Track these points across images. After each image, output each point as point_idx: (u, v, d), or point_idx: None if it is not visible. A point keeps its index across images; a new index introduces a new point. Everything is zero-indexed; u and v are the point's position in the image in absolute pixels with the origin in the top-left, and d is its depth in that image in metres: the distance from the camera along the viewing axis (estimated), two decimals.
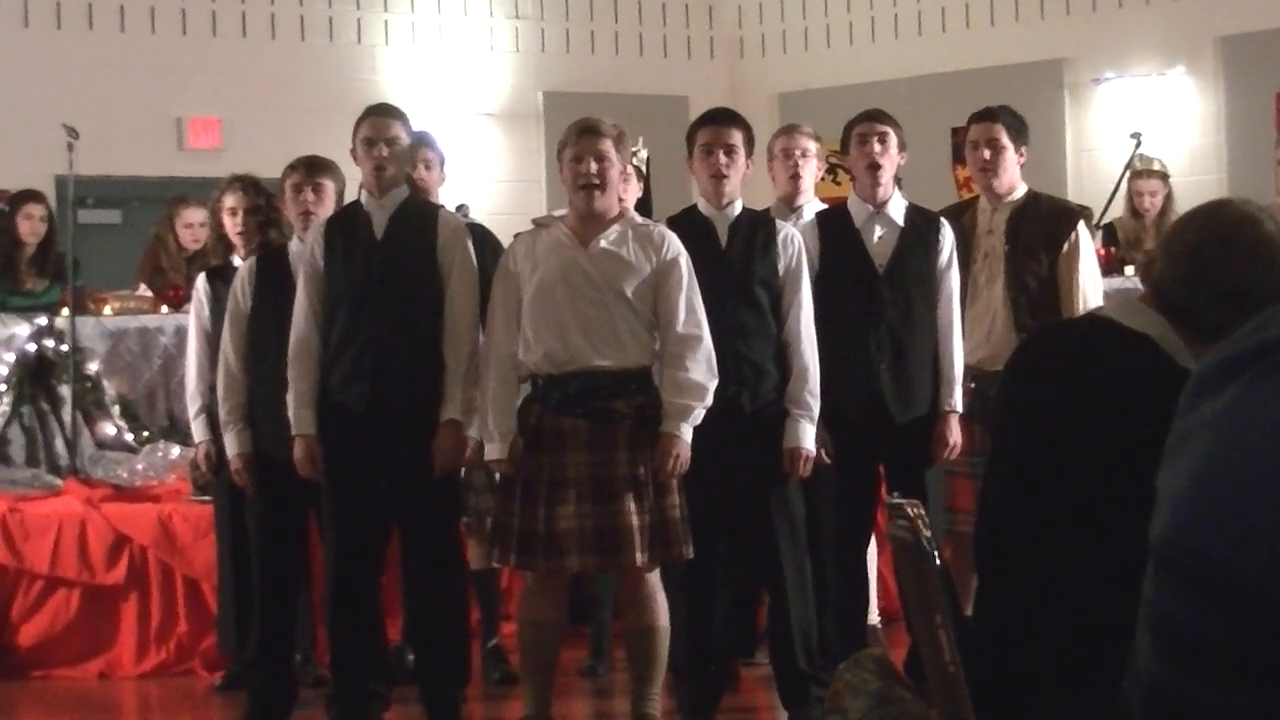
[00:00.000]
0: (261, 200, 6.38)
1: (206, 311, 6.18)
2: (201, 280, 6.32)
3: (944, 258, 5.77)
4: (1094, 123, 11.26)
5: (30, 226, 8.25)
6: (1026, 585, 2.81)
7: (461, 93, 11.59)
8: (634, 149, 6.91)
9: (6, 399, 7.72)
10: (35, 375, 7.84)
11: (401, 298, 5.47)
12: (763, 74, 12.26)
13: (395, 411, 5.42)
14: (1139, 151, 8.82)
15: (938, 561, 2.71)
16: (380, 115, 5.62)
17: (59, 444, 7.78)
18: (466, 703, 5.69)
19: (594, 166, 5.22)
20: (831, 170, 8.59)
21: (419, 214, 5.61)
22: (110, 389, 7.89)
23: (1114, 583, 2.28)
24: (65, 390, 7.76)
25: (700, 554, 5.24)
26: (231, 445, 5.80)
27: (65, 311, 7.81)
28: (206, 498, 6.66)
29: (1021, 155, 6.03)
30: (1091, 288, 5.93)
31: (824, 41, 12.28)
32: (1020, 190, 6.04)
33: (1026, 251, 5.92)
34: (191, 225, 8.31)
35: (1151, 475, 1.84)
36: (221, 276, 6.18)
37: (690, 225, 5.52)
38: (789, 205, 6.19)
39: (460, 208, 6.99)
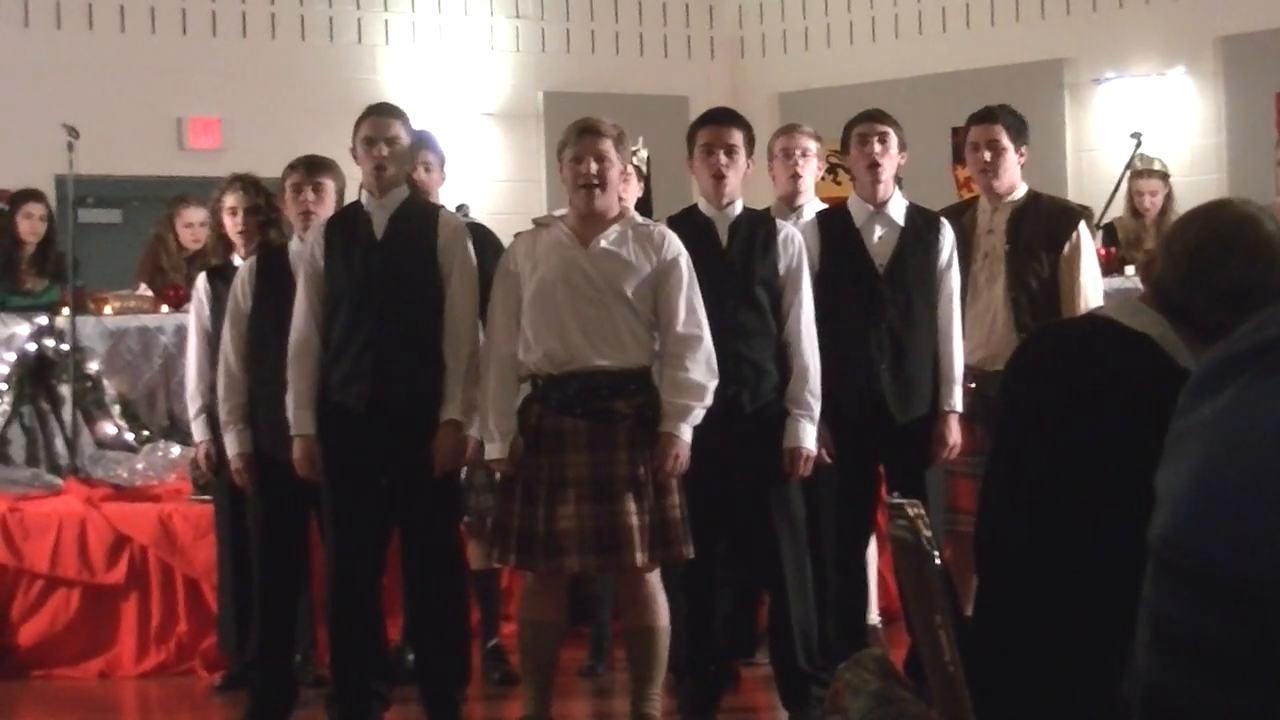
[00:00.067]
0: (261, 200, 6.38)
1: (207, 311, 6.18)
2: (201, 280, 6.32)
3: (944, 258, 5.76)
4: (1094, 123, 11.26)
5: (30, 226, 8.25)
6: (1026, 585, 2.81)
7: (461, 93, 11.59)
8: (634, 149, 6.90)
9: (7, 399, 7.72)
10: (35, 375, 7.84)
11: (401, 298, 5.47)
12: (763, 74, 12.26)
13: (395, 411, 5.42)
14: (1139, 151, 8.82)
15: (938, 561, 2.71)
16: (380, 115, 5.62)
17: (59, 444, 7.78)
18: (466, 703, 5.69)
19: (594, 166, 5.22)
20: (831, 170, 8.59)
21: (419, 214, 5.61)
22: (110, 388, 7.89)
23: (1114, 583, 2.28)
24: (65, 390, 7.76)
25: (700, 554, 5.24)
26: (231, 445, 5.80)
27: (65, 311, 7.81)
28: (206, 497, 6.66)
29: (1022, 155, 6.03)
30: (1092, 288, 5.93)
31: (824, 41, 12.28)
32: (1021, 190, 6.04)
33: (1027, 251, 5.92)
34: (191, 225, 8.31)
35: (1151, 475, 1.84)
36: (222, 276, 6.18)
37: (691, 225, 5.51)
38: (789, 205, 6.19)
39: (460, 208, 6.98)
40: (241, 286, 5.85)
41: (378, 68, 11.47)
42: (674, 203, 6.56)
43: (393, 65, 11.50)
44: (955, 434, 5.68)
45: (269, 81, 11.00)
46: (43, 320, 7.86)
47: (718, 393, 5.22)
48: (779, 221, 5.65)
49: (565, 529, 5.10)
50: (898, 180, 5.87)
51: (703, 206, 5.62)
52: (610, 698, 6.26)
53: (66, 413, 7.75)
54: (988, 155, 5.97)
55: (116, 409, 7.86)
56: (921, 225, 5.80)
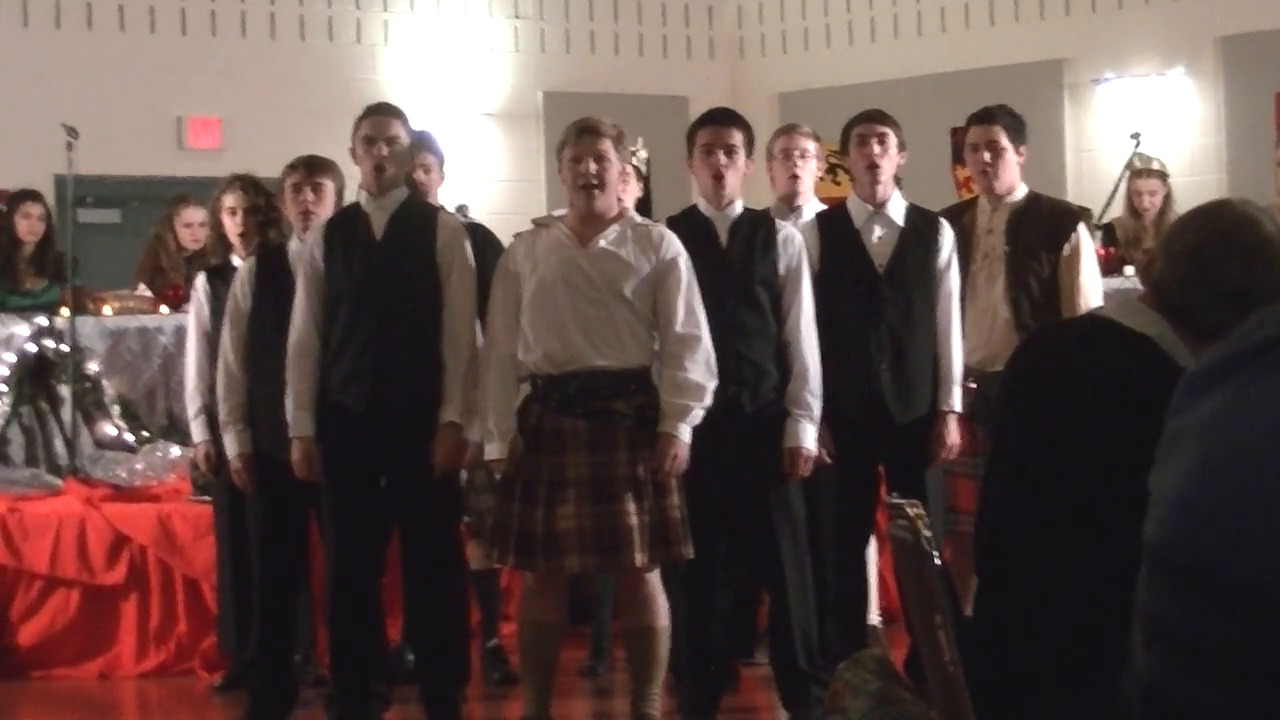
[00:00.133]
0: (261, 200, 6.37)
1: (206, 311, 6.18)
2: (201, 280, 6.32)
3: (944, 258, 5.76)
4: (1094, 123, 11.26)
5: (29, 226, 8.25)
6: (1026, 585, 2.81)
7: (461, 93, 11.59)
8: (634, 149, 6.91)
9: (6, 399, 7.72)
10: (35, 375, 7.84)
11: (401, 298, 5.47)
12: (763, 74, 12.26)
13: (395, 412, 5.42)
14: (1138, 150, 8.82)
15: (938, 561, 2.71)
16: (380, 114, 5.62)
17: (58, 444, 7.78)
18: (466, 703, 5.69)
19: (593, 166, 5.22)
20: (831, 170, 8.58)
21: (418, 215, 5.61)
22: (110, 389, 7.89)
23: (1113, 583, 2.28)
24: (65, 390, 7.76)
25: (700, 554, 5.24)
26: (231, 445, 5.80)
27: (65, 311, 7.81)
28: (206, 498, 6.66)
29: (1021, 155, 6.03)
30: (1092, 289, 5.93)
31: (824, 41, 12.29)
32: (1020, 190, 6.03)
33: (1027, 252, 5.92)
34: (191, 225, 8.31)
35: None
36: (221, 276, 6.18)
37: (690, 225, 5.51)
38: (789, 205, 6.18)
39: (460, 208, 6.99)
40: (241, 287, 5.85)
41: (377, 68, 11.47)
42: (674, 203, 6.56)
43: (392, 65, 11.50)
44: (954, 434, 5.68)
45: (269, 81, 11.00)
46: (42, 320, 7.86)
47: (718, 393, 5.22)
48: (779, 222, 5.65)
49: (565, 529, 5.09)
50: (897, 180, 5.87)
51: (702, 207, 5.62)
52: (610, 698, 6.26)
53: (66, 413, 7.75)
54: (987, 156, 5.97)
55: (116, 409, 7.86)
56: (921, 225, 5.80)
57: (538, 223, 5.44)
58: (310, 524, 5.80)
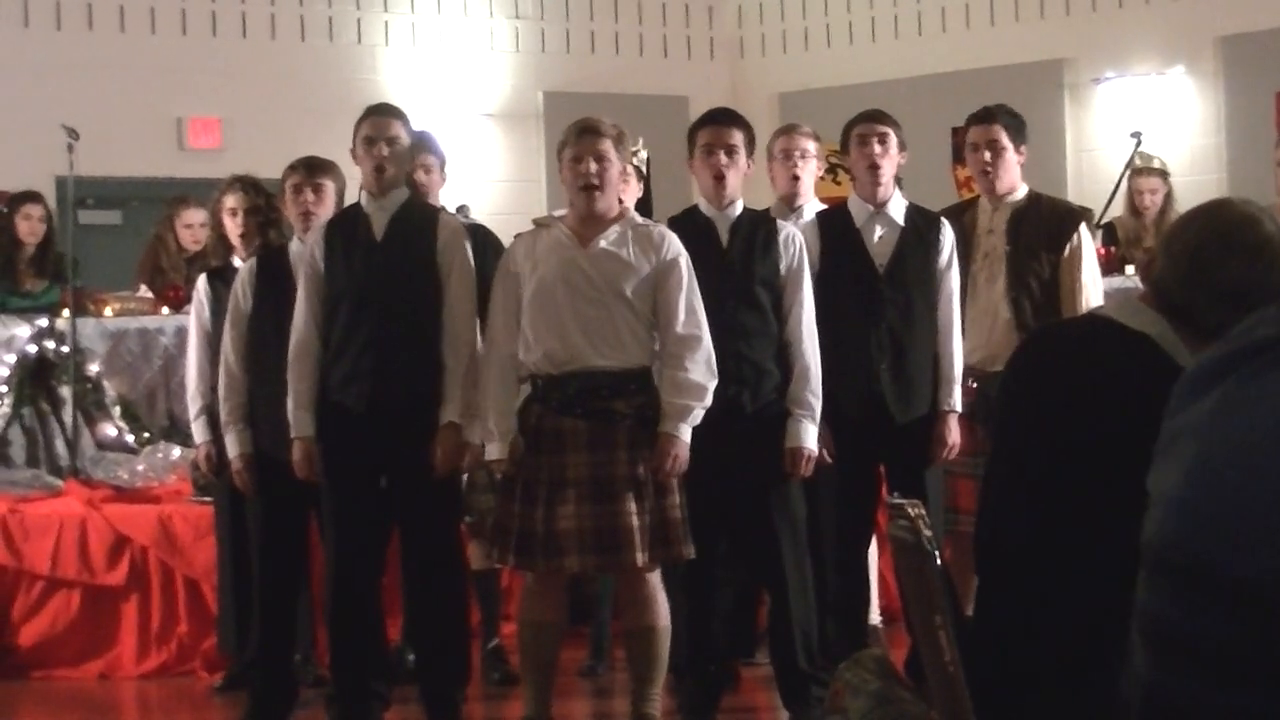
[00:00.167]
0: (262, 201, 6.37)
1: (207, 312, 6.18)
2: (202, 281, 6.32)
3: (944, 258, 5.77)
4: (1094, 123, 11.26)
5: (29, 227, 8.25)
6: (1026, 585, 2.81)
7: (461, 93, 11.59)
8: (634, 149, 6.90)
9: (7, 400, 7.72)
10: (36, 376, 7.84)
11: (401, 298, 5.47)
12: (763, 74, 12.26)
13: (395, 412, 5.42)
14: (1139, 149, 8.82)
15: (938, 561, 2.71)
16: (381, 115, 5.63)
17: (59, 445, 7.78)
18: (466, 703, 5.69)
19: (594, 167, 5.22)
20: (831, 170, 8.58)
21: (419, 215, 5.61)
22: (111, 390, 7.89)
23: (1113, 583, 2.28)
24: (66, 391, 7.76)
25: (700, 554, 5.24)
26: (232, 446, 5.80)
27: (65, 312, 7.81)
28: (207, 498, 6.66)
29: (1021, 154, 6.03)
30: (1093, 289, 5.93)
31: (824, 41, 12.29)
32: (1021, 190, 6.04)
33: (1028, 252, 5.92)
34: (191, 226, 8.32)
35: None
36: (222, 277, 6.18)
37: (691, 225, 5.52)
38: (789, 205, 6.18)
39: (461, 208, 6.99)
40: (242, 287, 5.85)
41: (378, 68, 11.47)
42: (674, 203, 6.56)
43: (392, 65, 11.50)
44: (954, 434, 5.68)
45: (269, 82, 11.00)
46: (43, 322, 7.86)
47: (718, 393, 5.22)
48: (779, 222, 5.65)
49: (565, 529, 5.10)
50: (898, 180, 5.87)
51: (703, 207, 5.62)
52: (610, 698, 6.26)
53: (67, 414, 7.75)
54: (987, 155, 5.98)
55: (117, 410, 7.86)
56: (921, 225, 5.80)
57: (538, 223, 5.44)
58: (310, 524, 5.80)
